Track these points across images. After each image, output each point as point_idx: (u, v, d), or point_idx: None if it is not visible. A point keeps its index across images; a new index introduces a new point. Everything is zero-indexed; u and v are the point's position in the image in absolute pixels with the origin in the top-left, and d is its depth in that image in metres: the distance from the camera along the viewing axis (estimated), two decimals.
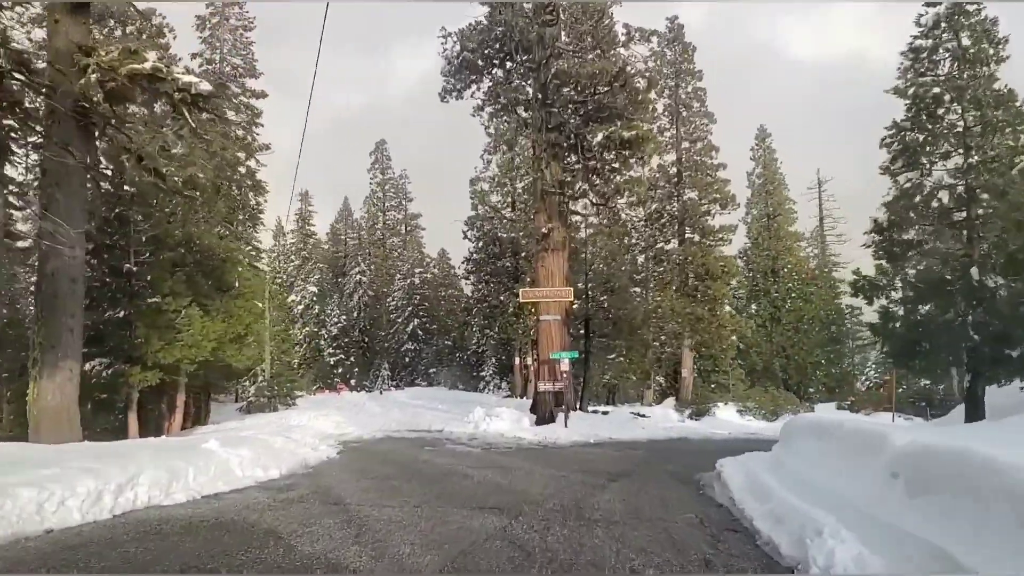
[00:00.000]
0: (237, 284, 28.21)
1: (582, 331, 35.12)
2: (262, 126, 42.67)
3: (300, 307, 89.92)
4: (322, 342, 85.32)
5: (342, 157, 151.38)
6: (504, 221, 53.31)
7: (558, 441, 23.32)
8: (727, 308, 45.49)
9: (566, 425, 26.81)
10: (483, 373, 66.53)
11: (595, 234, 37.73)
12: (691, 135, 45.69)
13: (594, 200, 30.59)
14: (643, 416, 35.54)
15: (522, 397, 50.67)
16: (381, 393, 60.18)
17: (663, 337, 47.57)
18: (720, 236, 44.27)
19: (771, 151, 62.26)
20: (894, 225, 22.03)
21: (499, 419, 27.99)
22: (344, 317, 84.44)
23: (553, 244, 29.46)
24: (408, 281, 75.81)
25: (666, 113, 45.47)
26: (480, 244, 53.22)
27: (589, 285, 36.03)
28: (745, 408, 41.70)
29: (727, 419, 39.80)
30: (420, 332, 74.84)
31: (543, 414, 29.03)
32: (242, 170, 39.28)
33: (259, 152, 41.54)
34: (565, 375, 28.14)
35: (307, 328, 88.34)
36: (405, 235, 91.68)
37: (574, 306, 32.97)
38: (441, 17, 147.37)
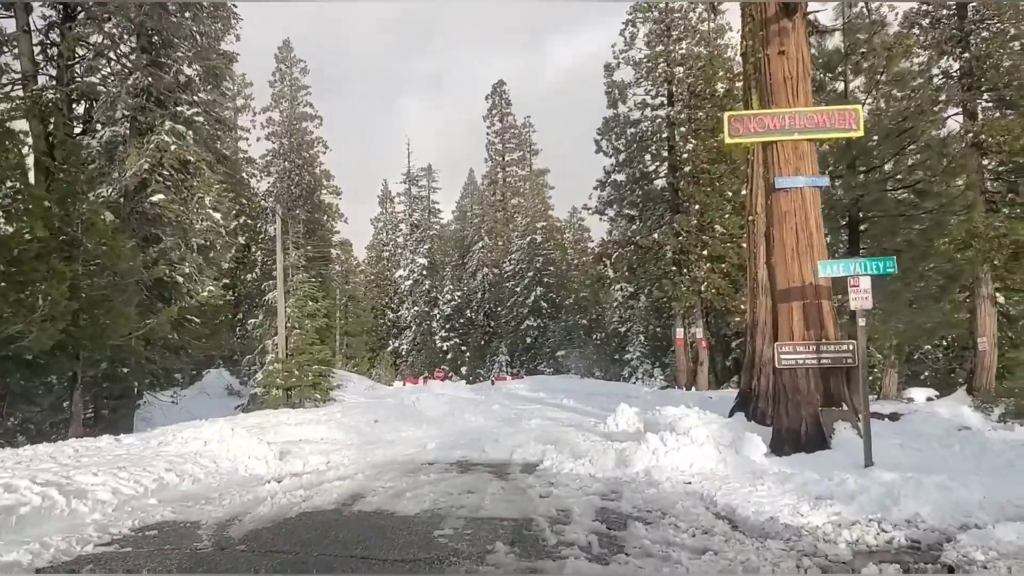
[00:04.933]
0: None
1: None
2: None
3: (408, 283, 75.94)
4: (434, 324, 71.03)
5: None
6: (657, 122, 35.39)
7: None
8: None
9: (870, 461, 9.40)
10: (627, 356, 48.93)
11: (862, 44, 18.66)
12: None
13: None
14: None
15: (689, 388, 33.24)
16: (493, 383, 44.26)
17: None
18: None
19: None
20: None
21: (686, 439, 10.80)
22: (459, 294, 69.62)
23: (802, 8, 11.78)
24: (528, 239, 58.95)
25: None
26: (622, 157, 35.40)
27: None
28: None
29: None
30: (544, 304, 57.89)
31: (794, 426, 11.57)
32: None
33: None
34: (861, 322, 10.46)
35: (416, 307, 74.43)
36: (530, 194, 75.15)
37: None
38: None
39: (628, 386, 38.78)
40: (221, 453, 11.02)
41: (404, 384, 47.49)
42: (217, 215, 22.79)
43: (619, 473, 10.06)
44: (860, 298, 10.19)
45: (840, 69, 18.35)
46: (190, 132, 21.95)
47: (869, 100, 18.04)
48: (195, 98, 23.47)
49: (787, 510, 7.45)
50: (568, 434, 14.66)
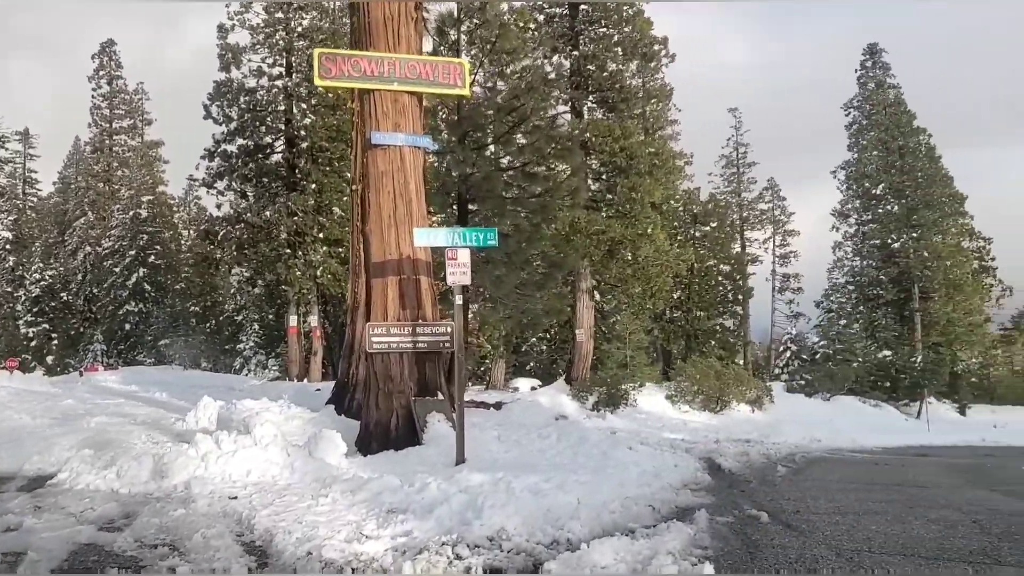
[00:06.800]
0: None
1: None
2: None
3: None
4: (18, 306, 61.19)
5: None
6: (274, 92, 32.90)
7: None
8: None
9: (462, 458, 8.34)
10: (241, 346, 45.63)
11: (476, 11, 17.90)
12: None
13: None
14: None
15: (301, 379, 31.32)
16: (81, 375, 38.80)
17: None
18: (648, 107, 26.64)
19: None
20: None
21: (248, 440, 8.80)
22: (51, 274, 60.73)
23: None
24: (131, 214, 52.80)
25: None
26: (234, 126, 32.24)
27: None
28: (676, 394, 24.95)
29: (656, 412, 23.22)
30: (148, 287, 52.10)
31: (385, 419, 10.12)
32: None
33: None
34: (459, 300, 9.22)
35: None
36: (140, 167, 67.42)
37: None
38: None
39: (236, 378, 35.80)
40: None
41: None
42: None
43: (154, 487, 7.74)
44: (459, 273, 8.91)
45: (454, 37, 17.58)
46: None
47: (482, 74, 17.47)
48: None
49: (345, 532, 5.75)
50: (132, 434, 11.88)
